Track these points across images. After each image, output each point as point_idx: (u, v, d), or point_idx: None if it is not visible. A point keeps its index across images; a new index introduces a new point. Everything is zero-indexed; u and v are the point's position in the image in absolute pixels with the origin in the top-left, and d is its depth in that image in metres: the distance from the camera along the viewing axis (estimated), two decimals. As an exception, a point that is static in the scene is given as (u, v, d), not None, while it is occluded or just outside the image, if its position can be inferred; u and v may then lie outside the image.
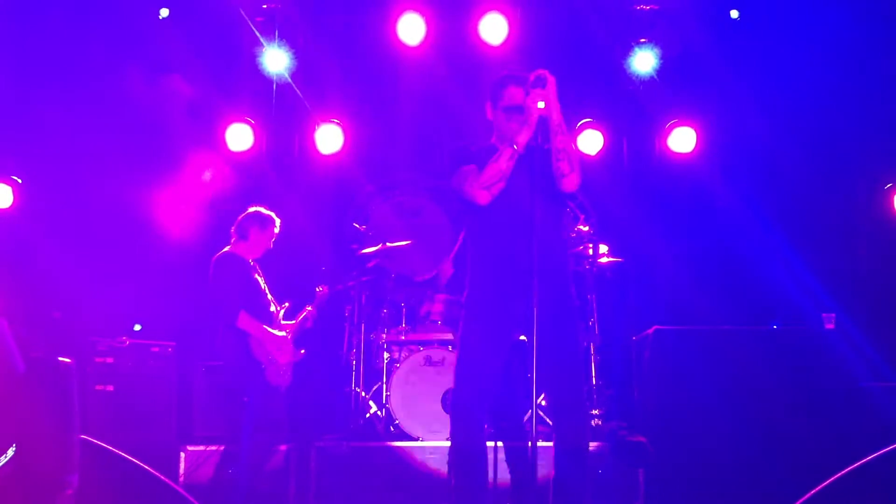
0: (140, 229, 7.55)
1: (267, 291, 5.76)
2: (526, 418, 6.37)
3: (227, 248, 5.74)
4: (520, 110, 4.01)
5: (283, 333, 5.66)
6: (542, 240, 3.85)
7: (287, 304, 5.98)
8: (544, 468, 4.24)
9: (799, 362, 5.41)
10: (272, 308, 5.76)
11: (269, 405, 5.52)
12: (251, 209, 5.85)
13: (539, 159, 3.94)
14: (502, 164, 3.95)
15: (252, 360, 5.47)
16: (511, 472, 4.70)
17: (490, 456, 5.14)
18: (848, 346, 5.44)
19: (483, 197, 3.99)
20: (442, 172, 4.27)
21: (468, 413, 4.02)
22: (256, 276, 5.73)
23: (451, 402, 4.13)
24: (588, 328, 6.87)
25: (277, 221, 5.87)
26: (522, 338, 4.44)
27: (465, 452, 4.03)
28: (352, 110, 8.21)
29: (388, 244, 7.05)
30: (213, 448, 6.22)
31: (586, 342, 6.84)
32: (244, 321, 5.47)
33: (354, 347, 6.99)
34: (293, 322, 5.92)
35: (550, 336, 3.83)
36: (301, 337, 5.96)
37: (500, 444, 4.73)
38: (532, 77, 3.95)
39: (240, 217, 5.82)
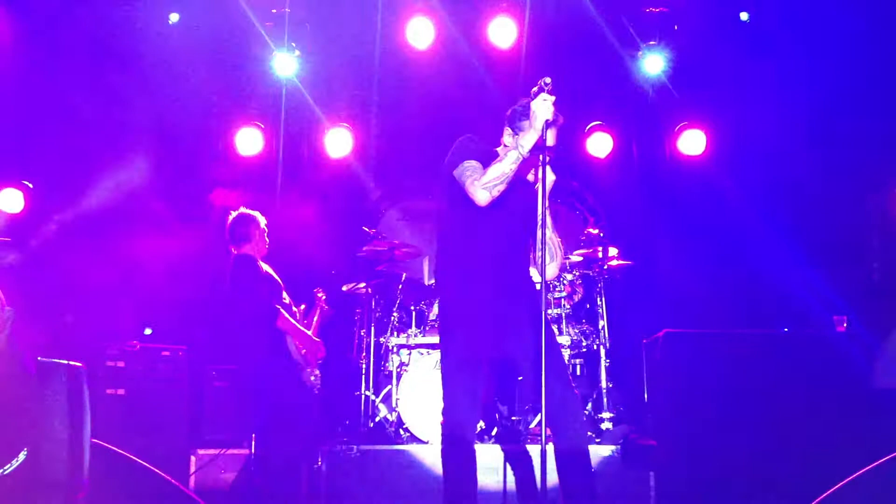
0: (150, 233, 7.57)
1: (284, 291, 5.75)
2: (534, 424, 6.40)
3: (234, 256, 5.70)
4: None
5: (317, 339, 5.67)
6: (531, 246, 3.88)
7: (304, 306, 5.98)
8: (552, 472, 4.24)
9: (810, 365, 5.39)
10: (294, 308, 5.76)
11: (304, 406, 5.51)
12: (235, 213, 5.79)
13: (543, 163, 3.91)
14: (506, 167, 3.94)
15: (291, 361, 5.48)
16: (517, 476, 4.71)
17: (500, 461, 5.16)
18: (860, 349, 5.42)
19: (483, 197, 3.98)
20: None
21: (459, 424, 4.11)
22: (274, 274, 5.71)
23: (442, 414, 4.16)
24: (598, 331, 6.86)
25: (262, 217, 5.85)
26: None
27: (455, 460, 4.11)
28: (361, 114, 8.22)
29: (396, 249, 7.05)
30: (224, 451, 6.24)
31: (596, 345, 6.84)
32: (283, 321, 5.46)
33: (364, 351, 6.99)
34: (308, 320, 5.94)
35: (537, 341, 3.81)
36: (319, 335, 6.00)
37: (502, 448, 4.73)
38: (539, 83, 3.96)
39: (230, 224, 5.75)
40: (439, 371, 6.63)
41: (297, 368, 5.50)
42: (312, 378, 5.64)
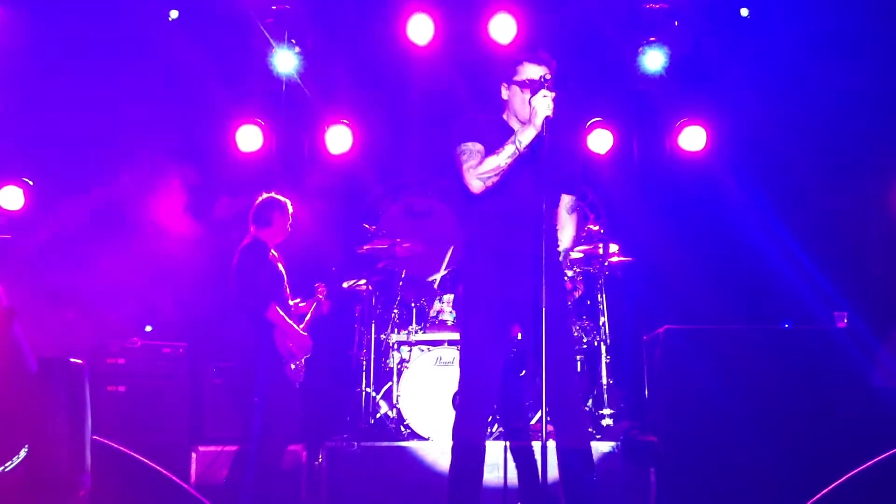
0: (151, 230, 7.57)
1: (286, 283, 5.77)
2: (535, 420, 6.40)
3: (251, 237, 5.72)
4: (534, 84, 3.97)
5: (304, 333, 5.71)
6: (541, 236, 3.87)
7: (299, 300, 6.01)
8: (553, 468, 4.24)
9: (810, 362, 5.39)
10: (290, 301, 5.80)
11: (286, 401, 5.54)
12: (265, 196, 5.86)
13: (543, 159, 3.91)
14: (502, 160, 3.93)
15: (275, 354, 5.49)
16: (519, 473, 4.71)
17: (501, 457, 5.15)
18: (859, 346, 5.42)
19: (477, 185, 4.00)
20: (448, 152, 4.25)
21: (474, 411, 4.08)
22: (279, 265, 5.74)
23: (457, 399, 4.16)
24: (598, 328, 6.86)
25: (290, 204, 5.93)
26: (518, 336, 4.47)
27: (467, 447, 4.08)
28: (361, 111, 8.21)
29: (396, 246, 7.05)
30: (225, 448, 6.24)
31: (597, 342, 6.84)
32: (273, 313, 5.49)
33: (365, 347, 6.99)
34: (304, 314, 5.97)
35: (549, 332, 3.80)
36: (313, 329, 6.01)
37: (508, 443, 4.74)
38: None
39: (256, 205, 5.81)
40: (440, 368, 6.69)
41: (281, 362, 5.52)
42: (293, 367, 5.63)
